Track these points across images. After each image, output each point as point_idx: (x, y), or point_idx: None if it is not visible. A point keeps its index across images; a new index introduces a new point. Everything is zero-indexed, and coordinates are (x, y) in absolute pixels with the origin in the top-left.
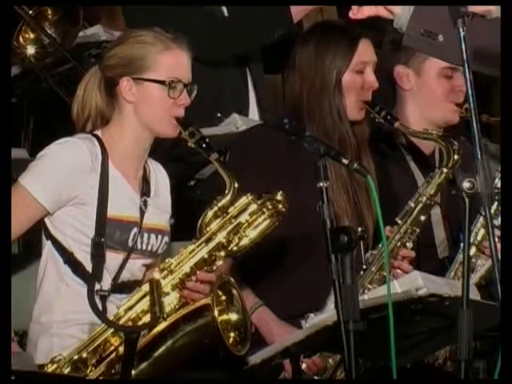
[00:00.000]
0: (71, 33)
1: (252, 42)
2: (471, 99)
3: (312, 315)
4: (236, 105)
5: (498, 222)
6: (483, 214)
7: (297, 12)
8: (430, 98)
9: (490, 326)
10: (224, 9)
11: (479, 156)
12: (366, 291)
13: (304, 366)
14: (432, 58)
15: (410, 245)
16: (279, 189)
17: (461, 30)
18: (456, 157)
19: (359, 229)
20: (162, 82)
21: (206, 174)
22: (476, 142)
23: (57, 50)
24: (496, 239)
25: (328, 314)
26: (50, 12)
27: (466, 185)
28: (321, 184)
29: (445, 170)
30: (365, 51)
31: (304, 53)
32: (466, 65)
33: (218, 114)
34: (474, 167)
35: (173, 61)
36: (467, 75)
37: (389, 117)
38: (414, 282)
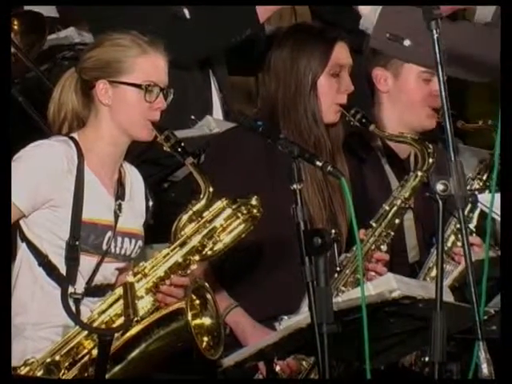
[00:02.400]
0: (36, 46)
1: (219, 43)
2: (444, 101)
3: (286, 317)
4: (200, 106)
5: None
6: (456, 215)
7: (263, 12)
8: (408, 101)
9: (464, 327)
10: (186, 11)
11: (453, 158)
12: (339, 294)
13: (278, 368)
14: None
15: (384, 248)
16: (256, 191)
17: (434, 31)
18: (431, 160)
19: (333, 231)
20: (138, 86)
21: (180, 177)
22: (449, 144)
23: (18, 60)
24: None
25: (302, 316)
26: (16, 22)
27: (439, 187)
28: (295, 186)
29: (419, 173)
30: (340, 54)
31: (279, 55)
32: (440, 67)
33: (192, 117)
34: (447, 169)
35: (149, 65)
36: (440, 77)
37: (364, 120)
38: (387, 284)
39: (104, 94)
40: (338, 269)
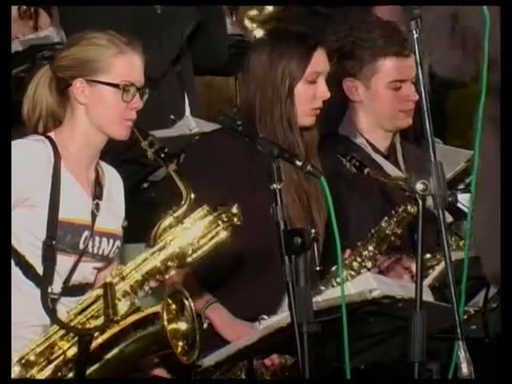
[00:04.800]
0: None
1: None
2: (424, 101)
3: (266, 317)
4: (174, 106)
5: None
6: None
7: None
8: (380, 109)
9: (444, 327)
10: (158, 7)
11: (432, 158)
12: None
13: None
14: (379, 72)
15: (369, 265)
16: (235, 194)
17: (414, 31)
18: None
19: (313, 231)
20: (116, 86)
21: (160, 176)
22: (429, 144)
23: None
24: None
25: (282, 315)
26: None
27: (419, 186)
28: (274, 186)
29: (409, 207)
30: (319, 61)
31: (258, 58)
32: (419, 67)
33: (172, 116)
34: (427, 169)
35: (126, 64)
36: (420, 77)
37: (358, 164)
38: (367, 284)
39: (81, 93)
40: (317, 268)
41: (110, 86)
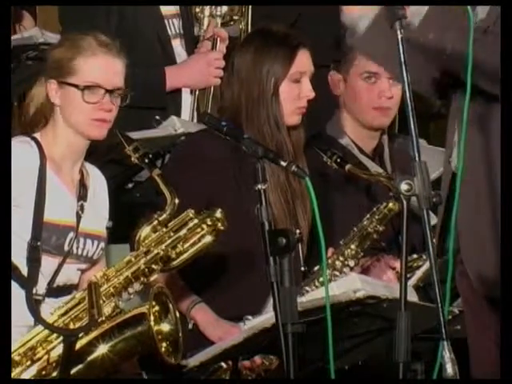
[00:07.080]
0: None
1: None
2: (408, 101)
3: (250, 317)
4: (173, 106)
5: None
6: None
7: None
8: (356, 103)
9: (428, 327)
10: None
11: (417, 158)
12: (304, 293)
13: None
14: (357, 63)
15: (352, 263)
16: (222, 195)
17: (398, 32)
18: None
19: (297, 231)
20: (76, 86)
21: (145, 177)
22: (414, 144)
23: None
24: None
25: (266, 316)
26: None
27: (403, 187)
28: (259, 186)
29: (391, 204)
30: (302, 61)
31: (243, 57)
32: (404, 67)
33: (157, 117)
34: (411, 169)
35: (96, 66)
36: (405, 77)
37: (339, 160)
38: (351, 284)
39: (54, 95)
40: (302, 269)
41: (72, 86)
